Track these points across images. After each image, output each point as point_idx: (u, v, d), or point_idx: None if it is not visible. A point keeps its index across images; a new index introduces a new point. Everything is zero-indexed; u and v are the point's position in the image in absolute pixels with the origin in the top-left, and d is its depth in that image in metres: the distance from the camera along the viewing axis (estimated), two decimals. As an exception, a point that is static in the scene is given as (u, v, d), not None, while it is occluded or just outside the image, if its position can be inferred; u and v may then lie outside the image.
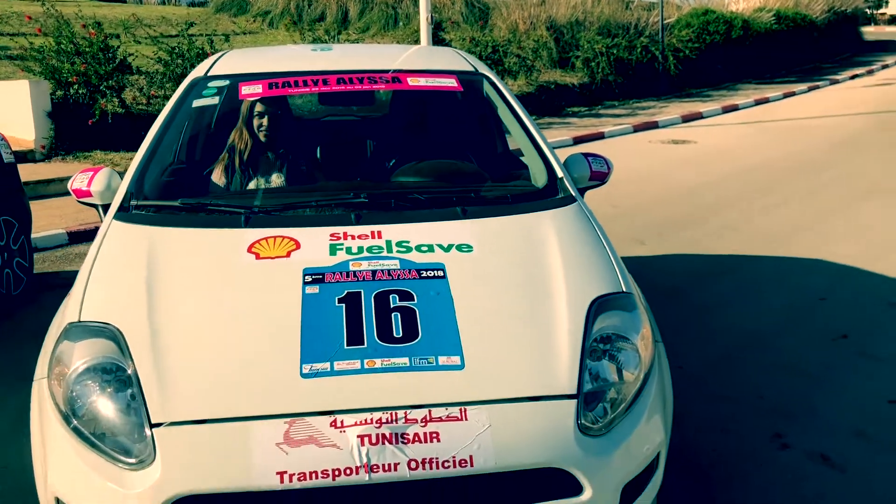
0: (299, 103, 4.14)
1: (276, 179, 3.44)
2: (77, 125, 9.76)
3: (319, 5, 20.42)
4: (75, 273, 2.46)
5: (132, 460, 1.86)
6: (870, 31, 37.62)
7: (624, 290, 2.35)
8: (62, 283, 5.37)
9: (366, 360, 1.98)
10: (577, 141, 12.13)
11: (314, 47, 3.89)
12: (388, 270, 2.28)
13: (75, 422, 1.96)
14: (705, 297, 4.92)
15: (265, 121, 3.38)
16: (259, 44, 16.73)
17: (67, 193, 8.21)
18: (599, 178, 3.17)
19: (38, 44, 10.13)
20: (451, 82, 3.33)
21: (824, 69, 24.08)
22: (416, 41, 16.80)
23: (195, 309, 2.19)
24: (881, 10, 58.72)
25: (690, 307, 4.72)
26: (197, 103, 3.30)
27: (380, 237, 2.44)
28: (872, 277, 5.25)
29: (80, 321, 2.17)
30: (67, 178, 8.47)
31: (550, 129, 13.06)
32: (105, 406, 1.96)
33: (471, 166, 3.30)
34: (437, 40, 14.30)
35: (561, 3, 18.84)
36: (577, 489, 1.89)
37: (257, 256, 2.36)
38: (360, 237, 2.44)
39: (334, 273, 2.27)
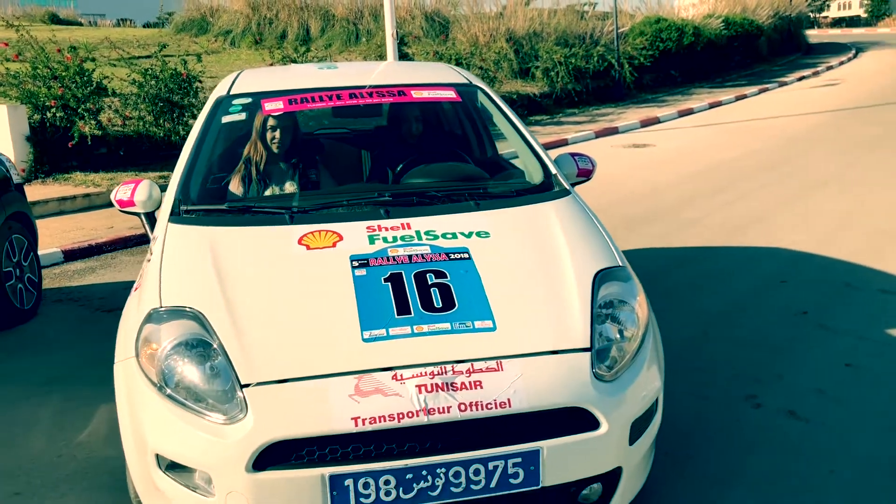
0: (304, 118, 4.56)
1: (290, 187, 3.78)
2: (56, 148, 9.96)
3: (280, 23, 20.70)
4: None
5: (225, 417, 2.20)
6: (814, 35, 39.01)
7: (620, 264, 2.79)
8: (66, 297, 5.64)
9: (415, 326, 2.36)
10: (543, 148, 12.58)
11: (320, 66, 4.30)
12: (422, 254, 2.68)
13: (169, 390, 2.29)
14: (674, 283, 5.36)
15: (277, 133, 3.74)
16: (224, 63, 16.96)
17: (51, 215, 8.40)
18: (585, 174, 3.61)
19: (14, 69, 10.29)
20: (450, 94, 3.80)
21: (773, 72, 24.97)
22: (380, 56, 17.19)
23: (262, 291, 2.54)
24: (823, 14, 60.61)
25: (662, 293, 5.13)
26: (226, 119, 3.67)
27: (409, 228, 2.84)
28: (826, 261, 5.74)
29: (161, 307, 2.51)
30: (48, 201, 8.80)
31: (516, 137, 13.47)
32: (196, 375, 2.29)
33: (473, 168, 3.73)
34: (401, 55, 14.68)
35: (518, 16, 19.39)
36: (594, 424, 2.28)
37: (308, 247, 2.74)
38: (392, 228, 2.84)
39: (377, 258, 2.65)
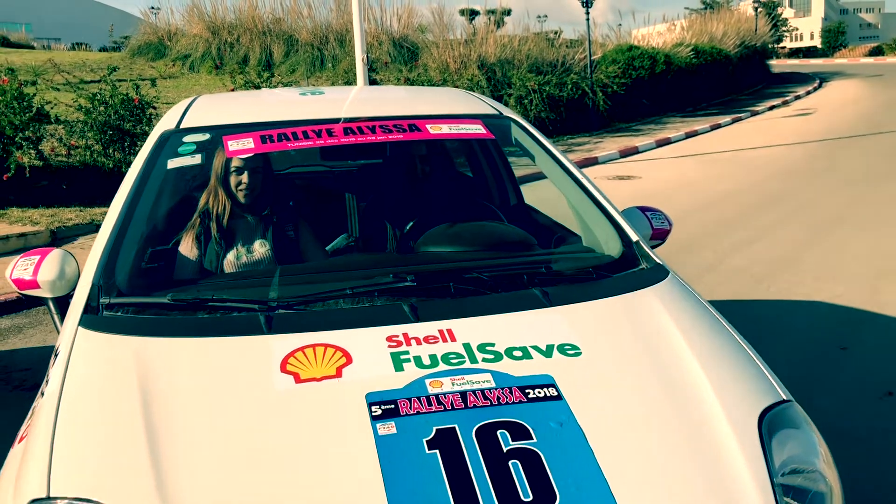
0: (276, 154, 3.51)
1: (260, 248, 2.91)
2: (-12, 179, 8.91)
3: (242, 48, 19.85)
4: None
5: None
6: (775, 64, 39.23)
7: (785, 396, 1.83)
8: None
9: None
10: (520, 181, 11.86)
11: (301, 90, 3.36)
12: (483, 391, 1.69)
13: None
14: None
15: (245, 178, 2.85)
16: (182, 89, 16.01)
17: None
18: (660, 236, 2.76)
19: (-58, 94, 9.25)
20: (477, 129, 2.77)
21: (742, 101, 24.80)
22: (348, 82, 16.39)
23: (222, 471, 1.53)
24: (781, 45, 61.49)
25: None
26: (172, 164, 2.64)
27: (453, 339, 1.87)
28: (884, 320, 4.98)
29: (48, 498, 1.49)
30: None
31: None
32: None
33: (514, 230, 2.80)
34: (371, 81, 13.92)
35: (489, 42, 18.77)
36: None
37: (297, 378, 1.74)
38: (426, 340, 1.86)
39: (410, 400, 1.66)
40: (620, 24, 33.09)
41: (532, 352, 1.83)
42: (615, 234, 2.48)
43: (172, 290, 2.12)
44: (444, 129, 2.72)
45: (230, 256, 2.85)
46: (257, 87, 12.20)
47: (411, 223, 2.79)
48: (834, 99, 24.68)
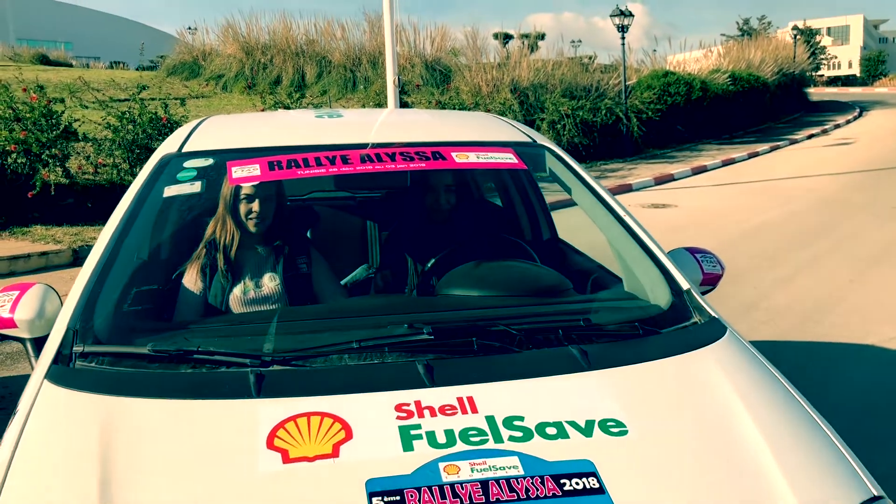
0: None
1: (269, 282, 2.68)
2: (14, 198, 8.84)
3: (275, 69, 19.89)
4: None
5: None
6: (813, 92, 38.66)
7: (875, 492, 1.51)
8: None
9: None
10: (551, 208, 11.60)
11: (318, 113, 3.08)
12: (508, 480, 1.38)
13: None
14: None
15: (255, 206, 2.63)
16: (212, 108, 16.00)
17: (5, 276, 7.27)
18: (711, 282, 2.43)
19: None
20: (509, 158, 2.48)
21: (780, 129, 24.35)
22: (379, 104, 16.28)
23: None
24: (819, 73, 60.81)
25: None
26: (169, 192, 2.38)
27: (474, 409, 1.55)
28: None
29: None
30: (2, 259, 7.62)
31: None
32: None
33: (547, 271, 2.50)
34: (402, 104, 13.78)
35: (523, 66, 18.60)
36: None
37: (285, 457, 1.45)
38: (442, 411, 1.55)
39: (419, 490, 1.36)
40: (655, 50, 32.79)
41: (568, 429, 1.52)
42: (662, 279, 2.16)
43: (155, 339, 1.85)
44: (472, 157, 2.43)
45: (237, 291, 2.63)
46: (287, 108, 12.11)
47: (433, 259, 2.52)
48: (875, 128, 24.12)
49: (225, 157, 2.41)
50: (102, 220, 9.35)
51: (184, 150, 2.52)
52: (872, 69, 73.37)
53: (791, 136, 21.77)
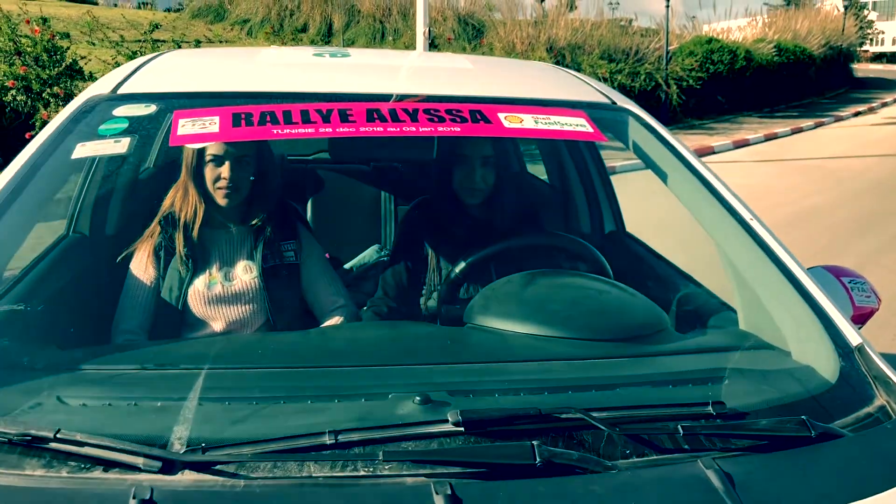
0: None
1: (243, 274, 2.06)
2: (13, 137, 8.28)
3: (302, 15, 19.14)
4: None
5: None
6: (858, 68, 37.18)
7: None
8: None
9: None
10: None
11: (317, 51, 2.31)
12: None
13: None
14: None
15: (225, 170, 1.99)
16: (235, 53, 15.35)
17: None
18: (860, 320, 1.71)
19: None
20: (581, 124, 1.70)
21: (824, 105, 23.29)
22: (407, 58, 15.56)
23: None
24: (864, 48, 58.84)
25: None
26: (81, 152, 1.64)
27: None
28: None
29: None
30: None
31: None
32: None
33: (640, 302, 1.67)
34: (431, 57, 13.09)
35: (560, 25, 17.73)
36: None
37: None
38: None
39: None
40: (694, 17, 31.39)
41: None
42: (816, 321, 1.37)
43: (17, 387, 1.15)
44: (529, 121, 1.66)
45: (199, 284, 2.00)
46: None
47: (463, 263, 1.85)
48: (926, 108, 23.04)
49: (172, 105, 1.70)
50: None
51: (119, 90, 1.79)
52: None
53: (836, 113, 20.74)
